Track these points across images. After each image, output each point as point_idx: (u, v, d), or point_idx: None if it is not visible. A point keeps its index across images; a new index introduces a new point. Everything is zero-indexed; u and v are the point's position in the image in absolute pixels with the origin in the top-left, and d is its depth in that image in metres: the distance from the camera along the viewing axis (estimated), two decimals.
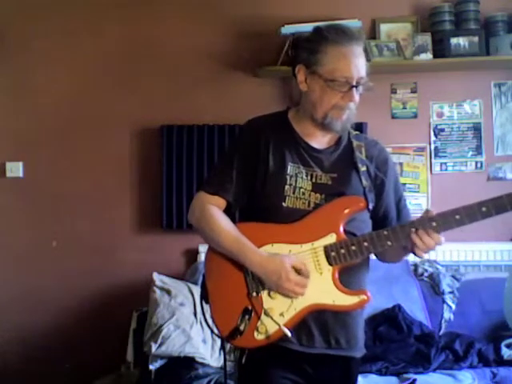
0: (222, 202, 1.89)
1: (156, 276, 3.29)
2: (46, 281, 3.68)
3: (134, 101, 3.71)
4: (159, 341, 2.99)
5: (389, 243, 1.76)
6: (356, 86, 1.80)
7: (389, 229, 1.78)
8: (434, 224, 1.74)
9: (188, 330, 3.04)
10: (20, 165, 3.71)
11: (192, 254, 3.66)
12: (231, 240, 1.82)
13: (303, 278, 1.76)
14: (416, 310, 3.35)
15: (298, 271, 1.76)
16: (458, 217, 1.74)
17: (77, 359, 3.61)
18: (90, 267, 3.68)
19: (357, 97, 1.81)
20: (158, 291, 3.20)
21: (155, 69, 3.72)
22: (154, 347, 2.98)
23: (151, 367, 3.00)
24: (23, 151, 3.72)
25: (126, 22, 3.72)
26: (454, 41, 3.55)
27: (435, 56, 3.57)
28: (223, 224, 1.85)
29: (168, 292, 3.20)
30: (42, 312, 3.67)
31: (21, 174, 3.71)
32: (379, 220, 1.91)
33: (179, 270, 3.63)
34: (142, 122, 3.71)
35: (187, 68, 3.72)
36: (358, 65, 1.80)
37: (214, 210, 1.87)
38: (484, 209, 1.73)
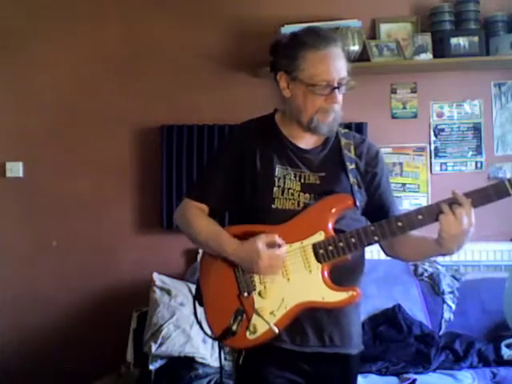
0: (206, 208, 1.93)
1: (156, 276, 3.29)
2: (46, 281, 3.68)
3: (134, 101, 3.71)
4: (159, 341, 2.99)
5: (376, 238, 1.77)
6: (338, 88, 1.81)
7: (375, 224, 1.78)
8: (420, 217, 1.74)
9: (188, 330, 3.05)
10: (20, 165, 3.71)
11: (192, 254, 3.66)
12: (209, 236, 1.87)
13: (275, 250, 1.77)
14: (416, 310, 3.35)
15: (271, 246, 1.77)
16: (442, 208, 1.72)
17: (77, 359, 3.61)
18: (90, 267, 3.68)
19: (339, 97, 1.82)
20: (158, 291, 3.21)
21: (155, 69, 3.72)
22: (153, 347, 2.98)
23: (151, 367, 3.01)
24: (23, 151, 3.72)
25: (126, 22, 3.72)
26: (453, 41, 3.55)
27: (435, 56, 3.57)
28: (202, 223, 1.90)
29: (168, 292, 3.20)
30: (42, 312, 3.68)
31: (21, 174, 3.71)
32: (376, 211, 1.91)
33: (179, 270, 3.63)
34: (142, 122, 3.71)
35: (187, 68, 3.72)
36: (337, 66, 1.81)
37: (194, 212, 1.92)
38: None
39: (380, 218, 1.82)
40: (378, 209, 1.93)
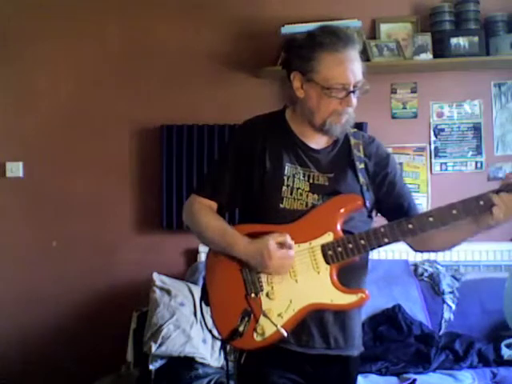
0: (214, 205, 1.91)
1: (156, 276, 3.29)
2: (46, 281, 3.68)
3: (134, 101, 3.71)
4: (159, 341, 2.99)
5: (386, 240, 1.75)
6: (353, 91, 1.78)
7: (386, 225, 1.77)
8: (431, 219, 1.74)
9: (188, 330, 3.04)
10: (20, 165, 3.71)
11: (192, 254, 3.66)
12: (217, 233, 1.84)
13: (286, 250, 1.75)
14: (416, 310, 3.35)
15: (281, 245, 1.76)
16: (454, 212, 1.75)
17: (77, 359, 3.61)
18: (90, 267, 3.68)
19: (354, 101, 1.80)
20: (157, 291, 3.20)
21: (155, 69, 3.72)
22: (154, 347, 2.98)
23: (151, 367, 3.00)
24: (23, 151, 3.72)
25: (127, 23, 3.72)
26: (453, 41, 3.55)
27: (435, 56, 3.57)
28: (210, 219, 1.87)
29: (168, 292, 3.20)
30: (42, 312, 3.67)
31: (21, 174, 3.71)
32: (395, 211, 1.88)
33: (179, 270, 3.63)
34: (142, 122, 3.71)
35: (187, 68, 3.72)
36: (354, 69, 1.77)
37: (202, 208, 1.89)
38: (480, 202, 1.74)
39: (401, 216, 1.80)
40: (397, 208, 1.89)
